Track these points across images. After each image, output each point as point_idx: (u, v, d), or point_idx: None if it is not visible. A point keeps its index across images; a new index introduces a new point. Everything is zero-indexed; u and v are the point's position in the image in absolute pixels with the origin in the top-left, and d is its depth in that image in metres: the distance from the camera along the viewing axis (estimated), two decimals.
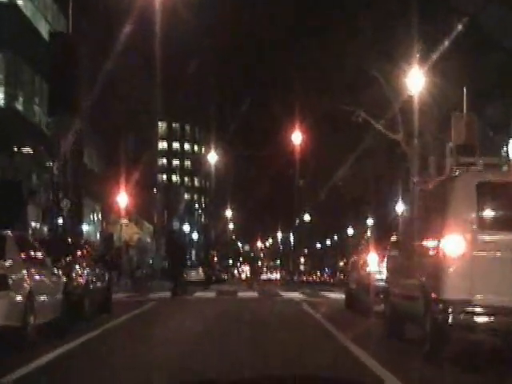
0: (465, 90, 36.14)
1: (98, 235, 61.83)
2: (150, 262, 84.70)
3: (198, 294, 28.69)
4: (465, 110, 36.13)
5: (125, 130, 66.71)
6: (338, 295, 27.08)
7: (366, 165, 48.94)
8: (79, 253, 17.08)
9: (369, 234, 18.51)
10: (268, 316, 17.15)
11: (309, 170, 72.11)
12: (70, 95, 18.59)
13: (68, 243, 17.88)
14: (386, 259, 14.06)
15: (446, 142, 42.39)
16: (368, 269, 16.63)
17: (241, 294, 28.00)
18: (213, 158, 61.54)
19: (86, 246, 18.71)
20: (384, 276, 15.58)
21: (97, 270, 17.72)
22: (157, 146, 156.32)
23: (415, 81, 35.97)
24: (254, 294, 28.19)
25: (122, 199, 44.86)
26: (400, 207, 52.85)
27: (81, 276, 16.03)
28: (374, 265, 16.47)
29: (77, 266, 16.23)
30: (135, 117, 72.81)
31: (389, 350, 11.55)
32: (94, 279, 17.10)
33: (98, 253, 23.27)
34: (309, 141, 43.80)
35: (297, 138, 39.62)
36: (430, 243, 11.10)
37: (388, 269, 13.85)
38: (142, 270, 44.19)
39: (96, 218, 62.03)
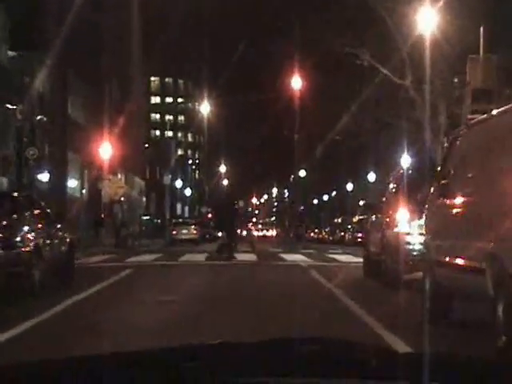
0: (482, 29, 32.71)
1: (85, 191, 58.66)
2: (145, 218, 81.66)
3: (186, 257, 24.81)
4: (481, 52, 32.77)
5: (112, 81, 63.62)
6: (349, 258, 23.67)
7: (368, 113, 45.25)
8: (29, 212, 13.62)
9: (391, 185, 14.35)
10: (273, 290, 13.32)
11: (306, 122, 68.45)
12: (34, 28, 15.06)
13: (14, 199, 14.20)
14: (425, 214, 10.31)
15: (461, 87, 39.10)
16: (397, 228, 12.95)
17: (237, 256, 24.33)
18: (205, 108, 57.94)
19: (41, 203, 15.14)
20: (417, 237, 12.16)
21: (53, 233, 14.29)
22: (149, 100, 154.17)
23: (426, 18, 32.30)
24: (253, 257, 24.09)
25: (105, 151, 41.28)
26: (406, 160, 49.46)
27: (28, 240, 12.57)
28: (405, 223, 12.87)
29: (25, 228, 12.81)
30: (125, 69, 69.73)
31: (434, 338, 7.96)
32: (49, 244, 13.66)
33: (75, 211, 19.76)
34: (308, 88, 40.10)
35: (296, 83, 36.02)
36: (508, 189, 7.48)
37: (429, 228, 10.14)
38: (127, 228, 40.70)
39: (82, 173, 58.92)
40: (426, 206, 10.31)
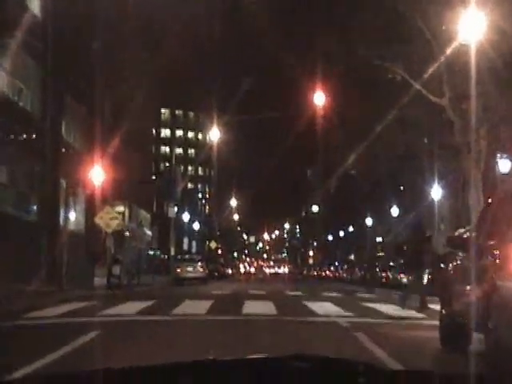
0: None
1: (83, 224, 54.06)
2: (150, 253, 77.10)
3: (184, 305, 19.31)
4: None
5: (121, 113, 59.42)
6: (391, 308, 18.44)
7: (396, 138, 39.97)
8: None
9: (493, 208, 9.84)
10: None
11: (323, 151, 63.69)
12: None
13: None
14: None
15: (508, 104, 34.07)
16: None
17: (248, 306, 18.97)
18: (215, 135, 53.05)
19: None
20: None
21: None
22: (159, 132, 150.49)
23: (471, 25, 27.22)
24: (270, 308, 18.45)
25: (97, 177, 36.36)
26: (436, 191, 44.43)
27: None
28: None
29: None
30: (134, 101, 65.78)
31: None
32: None
33: None
34: (329, 107, 35.05)
35: (319, 99, 30.98)
36: None
37: None
38: (122, 265, 35.66)
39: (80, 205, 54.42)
40: None
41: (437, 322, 13.56)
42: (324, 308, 18.37)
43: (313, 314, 16.70)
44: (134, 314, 16.03)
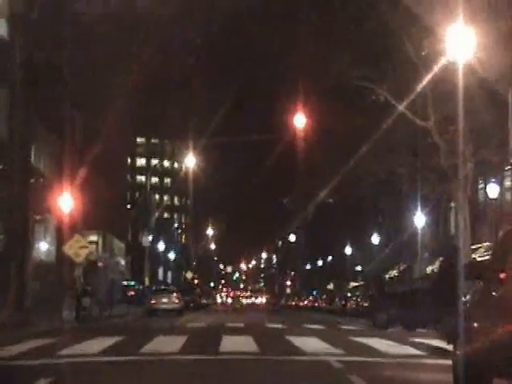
0: None
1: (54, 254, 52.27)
2: (124, 283, 75.19)
3: (156, 342, 17.43)
4: None
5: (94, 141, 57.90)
6: (385, 344, 16.71)
7: (377, 163, 38.31)
8: None
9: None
10: None
11: (302, 178, 62.36)
12: None
13: None
14: None
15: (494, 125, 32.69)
16: None
17: (226, 341, 17.18)
18: (191, 161, 51.30)
19: None
20: None
21: None
22: (135, 162, 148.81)
23: (458, 43, 25.83)
24: (250, 344, 16.55)
25: (65, 204, 34.58)
26: (419, 218, 42.89)
27: None
28: None
29: None
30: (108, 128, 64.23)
31: None
32: None
33: None
34: (309, 130, 33.52)
35: (299, 121, 29.43)
36: None
37: None
38: (91, 297, 33.84)
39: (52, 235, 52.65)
40: None
41: (442, 362, 12.02)
42: (310, 344, 16.60)
43: (299, 351, 14.94)
44: (98, 354, 14.20)
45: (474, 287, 8.69)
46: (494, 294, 7.65)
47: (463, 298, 9.10)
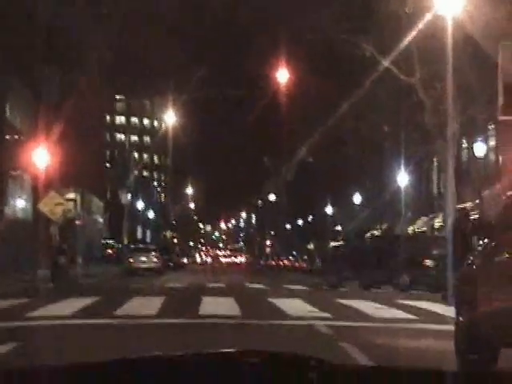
0: None
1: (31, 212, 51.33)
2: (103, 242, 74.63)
3: (132, 303, 16.71)
4: None
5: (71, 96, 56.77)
6: (370, 306, 15.97)
7: (362, 120, 37.70)
8: None
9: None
10: None
11: (283, 135, 61.37)
12: None
13: None
14: None
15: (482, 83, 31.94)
16: None
17: (207, 303, 16.40)
18: (170, 117, 50.41)
19: None
20: None
21: None
22: (114, 120, 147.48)
23: None
24: (232, 308, 15.71)
25: (41, 160, 33.62)
26: (402, 177, 42.27)
27: None
28: None
29: None
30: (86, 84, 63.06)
31: None
32: None
33: None
34: (293, 86, 32.69)
35: (282, 76, 28.58)
36: None
37: None
38: (66, 256, 32.99)
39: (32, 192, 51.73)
40: None
41: (434, 326, 11.37)
42: (295, 307, 15.84)
43: (282, 314, 14.19)
44: (69, 316, 13.39)
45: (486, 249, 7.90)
46: (506, 254, 6.89)
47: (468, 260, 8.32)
